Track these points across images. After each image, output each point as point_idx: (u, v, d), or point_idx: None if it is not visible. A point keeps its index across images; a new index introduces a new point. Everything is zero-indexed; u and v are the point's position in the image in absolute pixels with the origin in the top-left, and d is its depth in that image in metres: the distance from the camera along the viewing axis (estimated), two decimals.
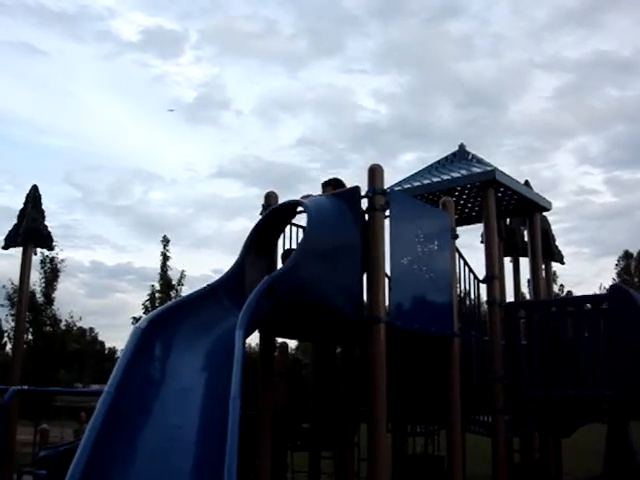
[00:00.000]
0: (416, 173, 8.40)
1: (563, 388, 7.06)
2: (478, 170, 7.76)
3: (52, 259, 32.45)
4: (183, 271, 30.12)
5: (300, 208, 6.21)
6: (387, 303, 5.83)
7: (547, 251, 10.01)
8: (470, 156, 8.35)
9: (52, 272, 32.75)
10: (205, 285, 5.51)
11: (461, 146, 8.51)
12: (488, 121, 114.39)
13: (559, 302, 7.32)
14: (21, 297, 11.56)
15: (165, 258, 29.71)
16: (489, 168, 7.69)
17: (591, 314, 7.03)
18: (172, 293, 28.82)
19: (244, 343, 4.49)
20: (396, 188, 8.02)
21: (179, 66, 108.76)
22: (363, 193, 5.85)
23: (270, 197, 6.62)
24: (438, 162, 8.48)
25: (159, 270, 29.53)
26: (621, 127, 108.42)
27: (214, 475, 3.67)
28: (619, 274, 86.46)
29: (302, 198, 6.16)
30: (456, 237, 6.84)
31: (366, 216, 5.84)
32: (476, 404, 7.08)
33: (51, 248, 11.98)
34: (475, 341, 7.29)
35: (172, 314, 5.02)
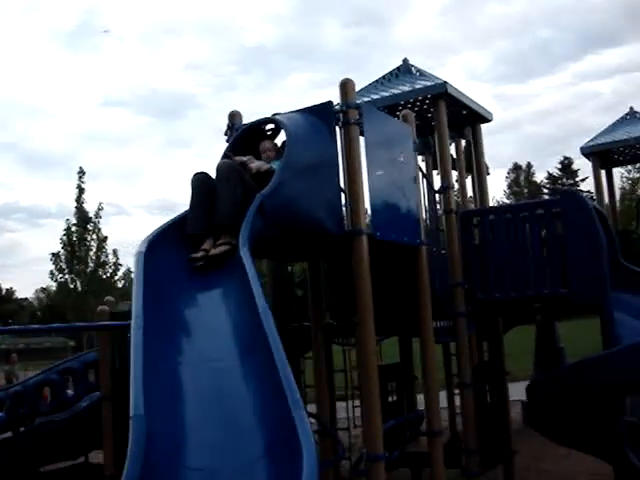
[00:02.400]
0: (362, 89, 8.40)
1: (520, 289, 7.45)
2: (429, 83, 7.86)
3: None
4: (101, 203, 29.47)
5: (270, 126, 6.18)
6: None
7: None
8: (415, 70, 8.42)
9: None
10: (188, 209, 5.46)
11: (405, 60, 8.56)
12: (376, 39, 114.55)
13: (513, 208, 7.62)
14: None
15: (81, 191, 28.73)
16: (440, 81, 7.80)
17: (544, 218, 7.39)
18: (90, 226, 28.25)
19: (253, 259, 4.51)
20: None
21: None
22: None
23: (235, 116, 6.52)
24: (383, 77, 8.51)
25: (72, 205, 28.87)
26: (505, 43, 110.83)
27: (273, 389, 3.68)
28: (509, 186, 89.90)
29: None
30: (418, 148, 6.98)
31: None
32: (437, 310, 7.35)
33: None
34: (435, 250, 7.53)
35: (168, 235, 5.00)
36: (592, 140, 11.13)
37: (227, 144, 6.30)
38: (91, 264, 29.33)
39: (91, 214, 28.56)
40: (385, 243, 6.14)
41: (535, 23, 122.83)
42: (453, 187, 7.85)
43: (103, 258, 29.70)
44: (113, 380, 8.73)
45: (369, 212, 6.09)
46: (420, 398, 7.43)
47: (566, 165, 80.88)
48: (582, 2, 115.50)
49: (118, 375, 8.82)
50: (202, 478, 3.40)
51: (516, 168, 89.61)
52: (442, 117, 7.80)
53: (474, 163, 8.90)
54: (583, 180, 77.25)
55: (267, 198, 5.12)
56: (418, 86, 7.87)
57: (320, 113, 5.87)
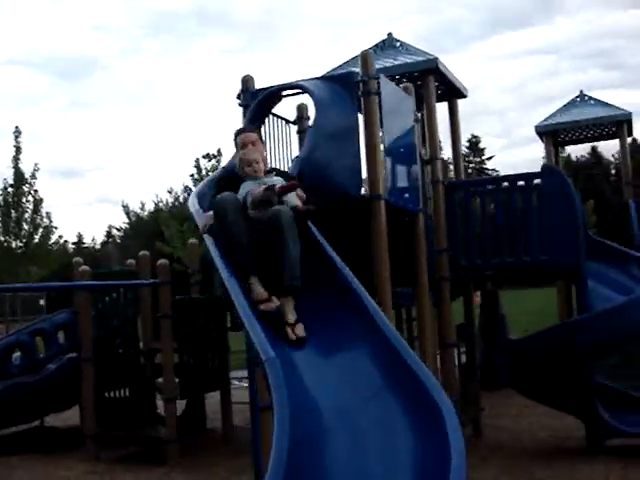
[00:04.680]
0: (345, 63, 8.63)
1: (501, 257, 7.95)
2: (419, 58, 8.20)
3: None
4: (37, 164, 28.54)
5: (287, 92, 6.39)
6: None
7: None
8: (399, 44, 8.74)
9: None
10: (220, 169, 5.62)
11: (389, 35, 8.87)
12: (286, 9, 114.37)
13: (495, 180, 8.09)
14: None
15: (18, 151, 27.72)
16: (431, 57, 8.14)
17: (525, 190, 7.89)
18: (25, 187, 27.40)
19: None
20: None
21: None
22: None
23: (248, 81, 6.63)
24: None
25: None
26: (416, 20, 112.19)
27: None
28: None
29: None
30: (417, 120, 7.32)
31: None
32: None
33: None
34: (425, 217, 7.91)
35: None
36: (545, 120, 11.79)
37: (241, 108, 6.47)
38: (26, 226, 28.47)
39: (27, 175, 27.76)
40: (392, 209, 6.45)
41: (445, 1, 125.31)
42: (440, 159, 8.24)
43: (38, 220, 28.82)
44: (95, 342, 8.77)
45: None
46: None
47: (474, 143, 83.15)
48: None
49: (99, 337, 8.87)
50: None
51: None
52: (431, 91, 8.16)
53: (451, 137, 9.30)
54: (489, 159, 79.95)
55: (304, 161, 5.35)
56: (409, 61, 8.19)
57: (342, 82, 6.12)
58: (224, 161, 29.15)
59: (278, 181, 4.54)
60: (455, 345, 8.13)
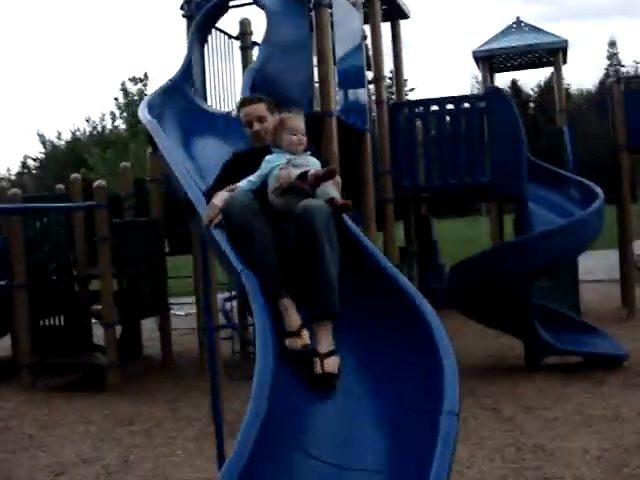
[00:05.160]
0: None
1: (444, 178, 7.95)
2: None
3: None
4: None
5: (234, 2, 6.11)
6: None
7: None
8: None
9: None
10: (167, 80, 5.36)
11: None
12: None
13: (440, 101, 8.01)
14: None
15: None
16: None
17: (469, 112, 7.87)
18: None
19: None
20: None
21: None
22: None
23: None
24: None
25: None
26: None
27: None
28: None
29: None
30: (365, 37, 7.15)
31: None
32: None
33: None
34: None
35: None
36: (482, 46, 11.77)
37: (185, 19, 6.18)
38: None
39: None
40: (341, 128, 6.33)
41: None
42: (384, 79, 8.12)
43: None
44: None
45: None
46: None
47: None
48: None
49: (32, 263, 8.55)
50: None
51: None
52: (376, 9, 7.97)
53: (393, 58, 9.17)
54: (412, 90, 80.00)
55: (258, 72, 5.16)
56: None
57: None
58: (152, 86, 28.43)
59: (313, 164, 3.41)
60: (397, 267, 8.16)
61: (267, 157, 3.40)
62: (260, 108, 3.71)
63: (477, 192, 8.18)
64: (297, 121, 3.48)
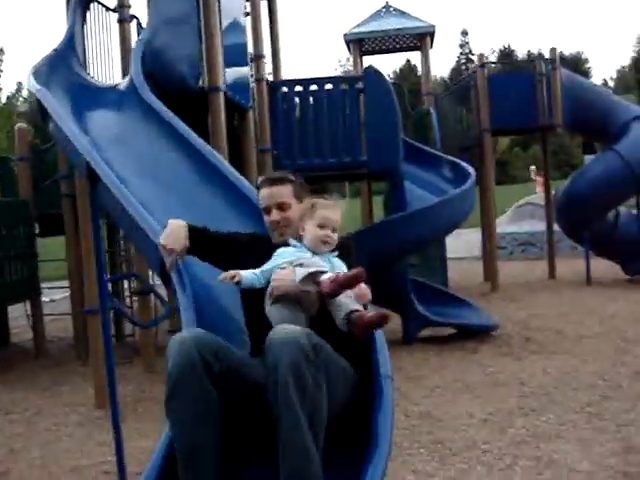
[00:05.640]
0: None
1: (323, 157, 8.05)
2: None
3: None
4: None
5: None
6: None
7: None
8: None
9: None
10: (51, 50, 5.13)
11: None
12: None
13: (319, 81, 8.06)
14: None
15: None
16: None
17: (348, 93, 8.01)
18: None
19: None
20: None
21: None
22: None
23: None
24: None
25: None
26: None
27: None
28: None
29: None
30: (247, 14, 7.09)
31: None
32: None
33: None
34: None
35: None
36: (352, 29, 11.98)
37: None
38: None
39: None
40: (228, 104, 6.29)
41: None
42: (264, 56, 8.09)
43: None
44: None
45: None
46: None
47: None
48: None
49: None
50: None
51: None
52: None
53: (270, 35, 9.14)
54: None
55: (146, 44, 5.03)
56: None
57: None
58: (8, 61, 27.08)
59: (338, 267, 2.70)
60: None
61: (280, 249, 2.73)
62: (284, 191, 2.87)
63: (355, 171, 8.30)
64: (331, 212, 2.74)
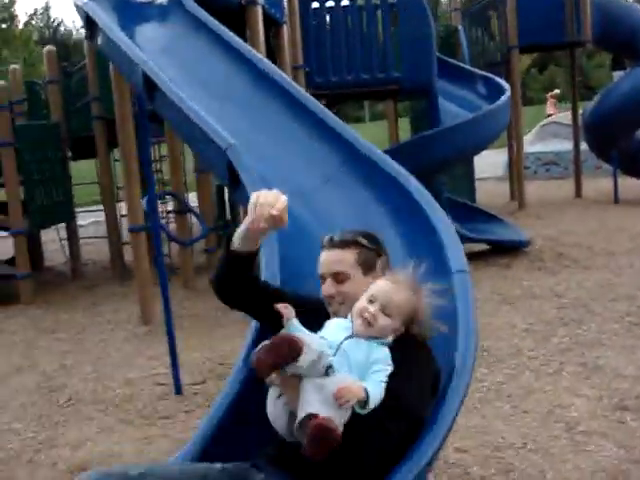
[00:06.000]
0: None
1: (356, 74, 7.95)
2: None
3: None
4: None
5: None
6: None
7: None
8: None
9: None
10: None
11: None
12: None
13: None
14: None
15: None
16: None
17: (381, 7, 7.85)
18: None
19: None
20: None
21: None
22: None
23: None
24: None
25: None
26: None
27: None
28: None
29: None
30: None
31: None
32: None
33: None
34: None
35: None
36: None
37: None
38: None
39: None
40: (265, 17, 6.20)
41: None
42: None
43: None
44: None
45: None
46: None
47: None
48: None
49: None
50: None
51: None
52: None
53: None
54: None
55: None
56: None
57: None
58: None
59: (359, 362, 1.94)
60: None
61: (330, 321, 2.11)
62: (346, 259, 2.19)
63: (388, 87, 8.19)
64: (390, 288, 2.05)
